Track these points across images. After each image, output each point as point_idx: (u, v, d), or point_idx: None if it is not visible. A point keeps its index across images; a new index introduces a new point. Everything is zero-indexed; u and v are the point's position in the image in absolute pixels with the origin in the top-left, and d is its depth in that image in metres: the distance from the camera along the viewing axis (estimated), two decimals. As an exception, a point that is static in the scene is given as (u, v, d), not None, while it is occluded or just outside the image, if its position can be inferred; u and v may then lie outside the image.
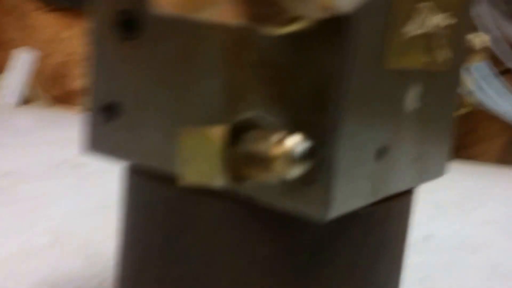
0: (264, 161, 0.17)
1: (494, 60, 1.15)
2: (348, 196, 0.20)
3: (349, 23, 0.18)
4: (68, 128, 1.01)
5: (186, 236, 0.22)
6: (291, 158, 0.17)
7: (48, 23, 1.44)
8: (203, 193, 0.21)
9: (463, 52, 0.26)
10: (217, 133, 0.17)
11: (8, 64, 1.35)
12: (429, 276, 0.46)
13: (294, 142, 0.17)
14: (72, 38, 1.43)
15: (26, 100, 1.35)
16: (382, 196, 0.22)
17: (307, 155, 0.17)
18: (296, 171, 0.17)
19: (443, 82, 0.24)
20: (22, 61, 1.33)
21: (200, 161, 0.18)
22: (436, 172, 0.26)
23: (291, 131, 0.18)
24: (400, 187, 0.23)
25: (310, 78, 0.18)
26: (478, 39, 0.28)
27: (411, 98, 0.22)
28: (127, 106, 0.23)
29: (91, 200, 0.58)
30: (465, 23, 0.25)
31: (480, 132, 1.23)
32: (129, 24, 0.23)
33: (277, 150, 0.17)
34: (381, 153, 0.21)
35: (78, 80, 1.46)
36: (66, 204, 0.56)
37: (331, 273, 0.22)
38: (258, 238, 0.21)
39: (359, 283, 0.23)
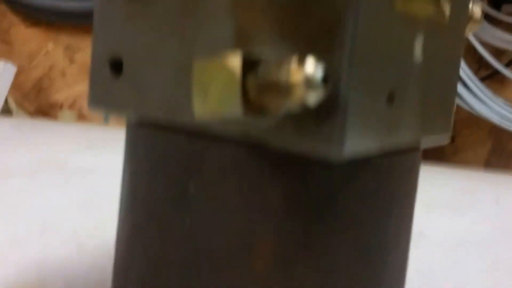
0: (284, 86, 0.17)
1: (479, 63, 1.17)
2: (361, 136, 0.20)
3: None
4: (50, 135, 1.00)
5: (196, 184, 0.21)
6: (312, 82, 0.17)
7: (30, 36, 1.43)
8: (213, 138, 0.21)
9: (466, 14, 0.26)
10: (234, 60, 0.17)
11: (-12, 75, 1.33)
12: (427, 268, 0.46)
13: (313, 67, 0.17)
14: (54, 52, 1.43)
15: (6, 111, 1.34)
16: (394, 143, 0.22)
17: (326, 79, 0.17)
18: (315, 97, 0.17)
19: (448, 39, 0.25)
20: (4, 73, 1.32)
21: (217, 90, 0.18)
22: (441, 128, 0.26)
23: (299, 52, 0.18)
24: (410, 137, 0.23)
25: (321, 14, 0.19)
26: (474, 7, 0.28)
27: (418, 48, 0.23)
28: (132, 59, 0.23)
29: (77, 195, 0.57)
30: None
31: (464, 140, 1.25)
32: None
33: (297, 75, 0.17)
34: (392, 97, 0.21)
35: (60, 92, 1.44)
36: (52, 199, 0.55)
37: (342, 221, 0.22)
38: (269, 184, 0.21)
39: (370, 235, 0.22)
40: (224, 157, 0.21)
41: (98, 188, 0.60)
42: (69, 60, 1.40)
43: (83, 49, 1.39)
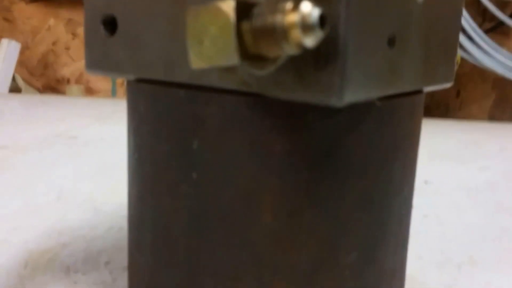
0: (280, 30, 0.16)
1: (483, 16, 1.15)
2: (362, 82, 0.19)
3: None
4: (60, 109, 1.00)
5: (199, 139, 0.21)
6: (308, 23, 0.16)
7: (31, 13, 1.42)
8: (212, 90, 0.21)
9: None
10: (228, 5, 0.17)
11: (-7, 55, 1.33)
12: (433, 213, 0.46)
13: (309, 7, 0.16)
14: (56, 27, 1.42)
15: (14, 90, 1.34)
16: (396, 88, 0.21)
17: (323, 22, 0.16)
18: (313, 39, 0.16)
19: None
20: (9, 51, 1.32)
21: (212, 39, 0.17)
22: (444, 77, 0.25)
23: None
24: (412, 83, 0.23)
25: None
26: None
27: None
28: (126, 15, 0.23)
29: (89, 165, 0.57)
30: None
31: (468, 93, 1.24)
32: None
33: (293, 16, 0.16)
34: (393, 41, 0.21)
35: (66, 67, 1.44)
36: (65, 169, 0.55)
37: (345, 168, 0.21)
38: (271, 134, 0.21)
39: (375, 179, 0.22)
40: (225, 109, 0.21)
41: (109, 157, 0.60)
42: (72, 34, 1.39)
43: (85, 21, 1.38)
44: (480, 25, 1.12)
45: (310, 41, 0.16)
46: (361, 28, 0.19)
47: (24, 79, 1.43)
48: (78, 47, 1.41)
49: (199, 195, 0.22)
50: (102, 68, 0.24)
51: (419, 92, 0.24)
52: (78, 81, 1.45)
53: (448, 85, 0.27)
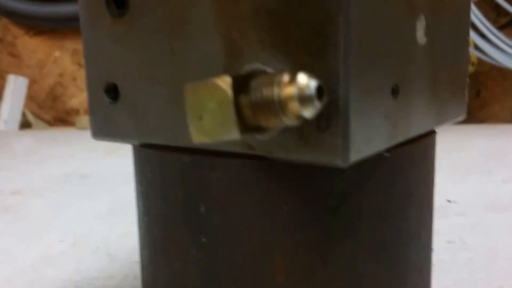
0: (278, 103, 0.16)
1: (496, 11, 1.14)
2: (367, 139, 0.19)
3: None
4: (69, 144, 1.01)
5: (206, 203, 0.21)
6: (305, 95, 0.16)
7: (36, 46, 1.44)
8: (217, 154, 0.21)
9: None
10: (225, 82, 0.17)
11: (2, 92, 1.34)
12: (458, 238, 0.44)
13: (306, 79, 0.16)
14: (62, 58, 1.43)
15: (24, 125, 1.35)
16: (403, 137, 0.21)
17: (321, 92, 0.16)
18: (311, 111, 0.16)
19: (453, 11, 0.24)
20: (17, 87, 1.33)
21: (211, 114, 0.17)
22: (455, 113, 0.25)
23: (292, 68, 0.18)
24: (421, 128, 0.23)
25: (309, 19, 0.18)
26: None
27: (421, 31, 0.22)
28: (126, 85, 0.23)
29: (102, 205, 0.57)
30: None
31: (488, 92, 1.22)
32: (119, 0, 0.22)
33: (290, 89, 0.16)
34: (396, 90, 0.20)
35: (74, 98, 1.45)
36: (78, 211, 0.55)
37: (358, 223, 0.21)
38: (279, 194, 0.20)
39: (390, 231, 0.22)
40: (230, 173, 0.21)
41: (121, 195, 0.60)
42: (78, 64, 1.40)
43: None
44: (494, 21, 1.10)
45: (308, 113, 0.16)
46: (362, 84, 0.18)
47: (33, 113, 1.44)
48: (84, 77, 1.42)
49: (210, 259, 0.21)
50: (107, 135, 0.24)
51: (430, 132, 0.24)
52: (87, 111, 1.46)
53: (460, 118, 0.27)
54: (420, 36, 0.22)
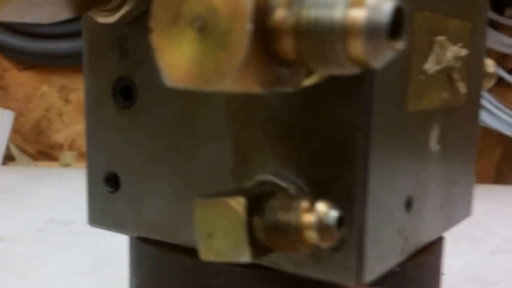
0: (294, 230, 0.16)
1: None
2: (380, 257, 0.18)
3: (371, 73, 0.17)
4: (52, 184, 0.99)
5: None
6: (325, 226, 0.15)
7: (24, 80, 1.43)
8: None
9: (480, 81, 0.25)
10: (238, 203, 0.16)
11: (-14, 124, 1.33)
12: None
13: (326, 208, 0.15)
14: (49, 94, 1.42)
15: (8, 158, 1.33)
16: (414, 249, 0.21)
17: (341, 222, 0.16)
18: (329, 241, 0.16)
19: (464, 115, 0.24)
20: (3, 120, 1.31)
21: (222, 234, 0.16)
22: (463, 213, 0.25)
23: (310, 191, 0.17)
24: (431, 236, 0.22)
25: (325, 133, 0.17)
26: (487, 63, 0.27)
27: (434, 139, 0.21)
28: (128, 177, 0.22)
29: (85, 259, 0.56)
30: (480, 50, 0.24)
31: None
32: (126, 92, 0.22)
33: (309, 217, 0.15)
34: (410, 203, 0.20)
35: (59, 133, 1.44)
36: (61, 265, 0.54)
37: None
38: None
39: None
40: (233, 282, 0.20)
41: (105, 247, 0.58)
42: (65, 100, 1.39)
43: (77, 88, 1.38)
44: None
45: (326, 243, 0.16)
46: (377, 201, 0.18)
47: (17, 145, 1.42)
48: (71, 113, 1.41)
49: None
50: (105, 224, 0.23)
51: (439, 241, 0.24)
52: (71, 145, 1.45)
53: (467, 217, 0.26)
54: (433, 144, 0.22)
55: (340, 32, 0.12)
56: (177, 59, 0.13)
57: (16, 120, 1.37)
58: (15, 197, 0.86)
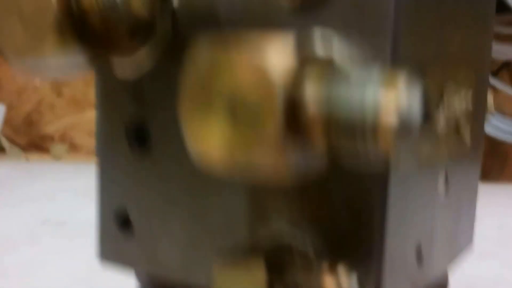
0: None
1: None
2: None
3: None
4: (44, 179, 0.98)
5: None
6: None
7: (17, 74, 1.42)
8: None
9: (483, 120, 0.25)
10: (258, 266, 0.16)
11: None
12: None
13: (348, 275, 0.16)
14: (42, 87, 1.41)
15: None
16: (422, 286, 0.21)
17: (362, 285, 0.16)
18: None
19: (469, 160, 0.24)
20: (-6, 112, 1.30)
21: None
22: (467, 243, 0.25)
23: (325, 245, 0.17)
24: (436, 274, 0.22)
25: (345, 195, 0.18)
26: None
27: (441, 183, 0.22)
28: (140, 215, 0.22)
29: (80, 263, 0.56)
30: (484, 92, 0.25)
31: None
32: (140, 135, 0.22)
33: (329, 282, 0.16)
34: (420, 251, 0.20)
35: (50, 125, 1.43)
36: (55, 270, 0.53)
37: None
38: None
39: None
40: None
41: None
42: (57, 93, 1.38)
43: (70, 82, 1.37)
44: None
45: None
46: (394, 260, 0.18)
47: (8, 137, 1.41)
48: (63, 106, 1.40)
49: None
50: (115, 261, 0.23)
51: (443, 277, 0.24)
52: (62, 137, 1.44)
53: (470, 245, 0.27)
54: (441, 187, 0.22)
55: (372, 136, 0.12)
56: (206, 142, 0.13)
57: (7, 113, 1.36)
58: (6, 196, 0.86)
